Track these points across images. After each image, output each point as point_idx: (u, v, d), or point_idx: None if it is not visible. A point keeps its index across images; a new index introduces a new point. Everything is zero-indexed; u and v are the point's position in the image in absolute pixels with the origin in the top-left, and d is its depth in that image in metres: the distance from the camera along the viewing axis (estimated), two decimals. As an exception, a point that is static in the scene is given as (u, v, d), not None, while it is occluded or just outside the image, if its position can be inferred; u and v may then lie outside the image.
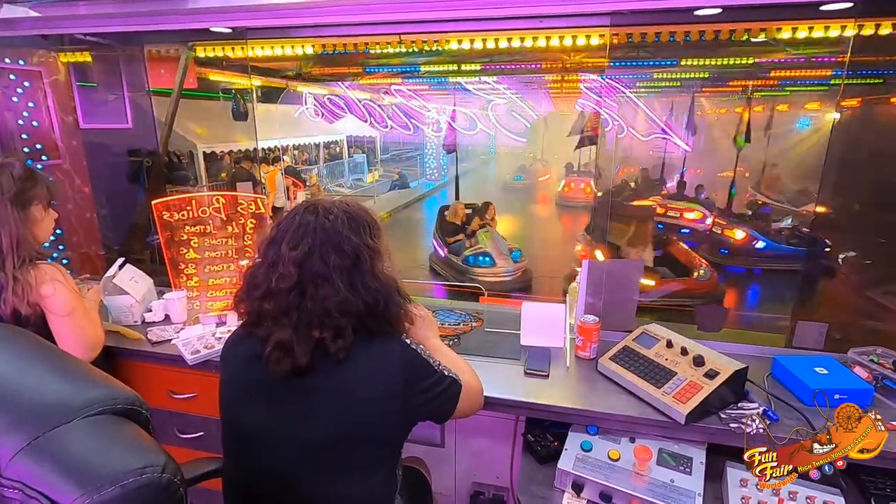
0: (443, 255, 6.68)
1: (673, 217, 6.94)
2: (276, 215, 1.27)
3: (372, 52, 2.50)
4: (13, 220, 1.44)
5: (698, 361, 1.45)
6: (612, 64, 2.09)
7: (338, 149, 14.06)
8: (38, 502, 0.50)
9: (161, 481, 0.55)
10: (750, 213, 6.93)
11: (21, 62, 2.28)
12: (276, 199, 7.27)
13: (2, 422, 0.57)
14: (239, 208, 2.05)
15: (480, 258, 6.23)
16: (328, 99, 2.57)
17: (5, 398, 0.61)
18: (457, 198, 7.80)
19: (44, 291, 1.46)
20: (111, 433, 0.59)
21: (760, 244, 6.15)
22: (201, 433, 1.87)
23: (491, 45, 2.27)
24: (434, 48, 2.30)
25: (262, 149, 8.84)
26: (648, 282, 5.47)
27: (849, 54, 1.93)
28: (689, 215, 6.94)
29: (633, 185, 8.47)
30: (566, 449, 1.42)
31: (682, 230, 6.71)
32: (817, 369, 1.52)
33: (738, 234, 6.32)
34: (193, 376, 1.77)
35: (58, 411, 0.59)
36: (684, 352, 1.51)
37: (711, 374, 1.40)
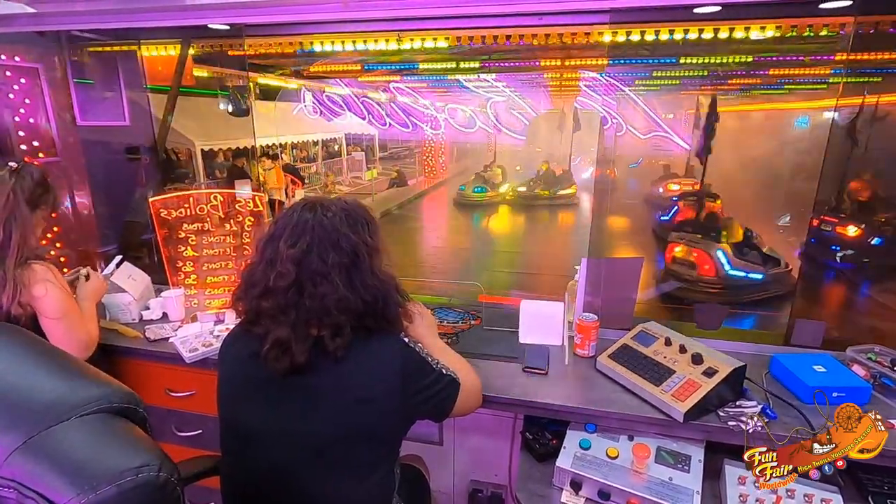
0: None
1: (687, 189, 9.13)
2: (280, 209, 1.27)
3: (371, 49, 2.49)
4: (25, 220, 1.47)
5: (697, 359, 1.45)
6: (611, 62, 2.08)
7: (336, 146, 14.04)
8: (34, 502, 0.50)
9: (158, 480, 0.55)
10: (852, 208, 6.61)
11: (17, 59, 2.27)
12: (280, 193, 7.21)
13: (-3, 420, 0.57)
14: (237, 206, 2.05)
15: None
16: (326, 96, 2.56)
17: (0, 396, 0.60)
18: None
19: (36, 292, 1.46)
20: (107, 432, 0.59)
21: (875, 240, 5.97)
22: (199, 431, 1.87)
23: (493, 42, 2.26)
24: (435, 45, 2.29)
25: (261, 146, 8.81)
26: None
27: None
28: (690, 187, 9.14)
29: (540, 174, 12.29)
30: (564, 447, 1.42)
31: (690, 196, 7.90)
32: (816, 367, 1.53)
33: (851, 231, 6.10)
34: (191, 374, 1.76)
35: (54, 410, 0.58)
36: (683, 350, 1.51)
37: (710, 373, 1.40)
